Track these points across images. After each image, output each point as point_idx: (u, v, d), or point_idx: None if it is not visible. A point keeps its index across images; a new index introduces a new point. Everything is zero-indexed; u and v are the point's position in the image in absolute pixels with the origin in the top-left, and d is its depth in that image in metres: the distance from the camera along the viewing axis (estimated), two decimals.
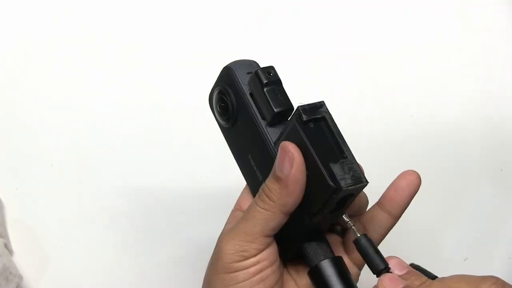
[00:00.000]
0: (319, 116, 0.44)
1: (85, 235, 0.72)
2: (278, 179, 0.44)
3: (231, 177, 0.70)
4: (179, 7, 0.73)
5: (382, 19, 0.70)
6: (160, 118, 0.72)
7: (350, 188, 0.42)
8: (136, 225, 0.71)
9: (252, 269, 0.45)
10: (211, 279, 0.46)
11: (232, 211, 0.50)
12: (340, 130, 0.45)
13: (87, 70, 0.72)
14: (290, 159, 0.43)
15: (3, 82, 0.73)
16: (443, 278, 0.42)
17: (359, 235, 0.44)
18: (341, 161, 0.43)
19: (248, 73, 0.48)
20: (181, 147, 0.72)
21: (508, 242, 0.74)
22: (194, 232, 0.71)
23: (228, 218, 0.50)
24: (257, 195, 0.45)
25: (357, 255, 0.45)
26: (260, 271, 0.45)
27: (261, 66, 0.48)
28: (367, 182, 0.43)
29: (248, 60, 0.49)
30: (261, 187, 0.45)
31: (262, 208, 0.44)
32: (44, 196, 0.72)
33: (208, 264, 0.48)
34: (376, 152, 0.71)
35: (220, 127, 0.51)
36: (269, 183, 0.44)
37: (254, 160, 0.49)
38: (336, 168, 0.43)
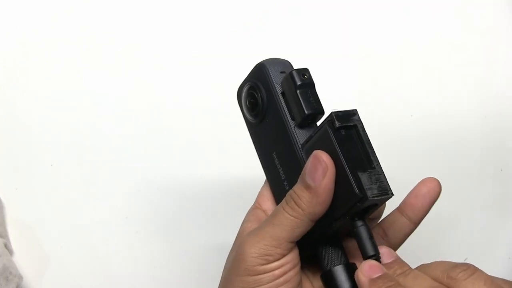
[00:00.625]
0: (351, 124, 0.45)
1: (85, 235, 0.72)
2: (308, 187, 0.44)
3: (232, 177, 0.70)
4: (179, 7, 0.73)
5: (382, 19, 0.70)
6: (161, 118, 0.72)
7: (375, 198, 0.43)
8: (137, 225, 0.71)
9: (277, 272, 0.45)
10: (232, 280, 0.46)
11: (252, 208, 0.50)
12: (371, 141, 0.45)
13: (87, 70, 0.72)
14: (324, 169, 0.44)
15: (3, 82, 0.73)
16: (422, 265, 0.43)
17: (360, 224, 0.45)
18: (369, 171, 0.44)
19: (281, 72, 0.48)
20: (182, 147, 0.72)
21: (508, 242, 0.74)
22: (195, 232, 0.71)
23: (247, 215, 0.50)
24: (284, 201, 0.46)
25: None
26: (284, 273, 0.45)
27: (294, 67, 0.49)
28: (393, 194, 0.44)
29: (282, 59, 0.49)
30: (289, 193, 0.45)
31: (290, 215, 0.45)
32: (44, 196, 0.72)
33: (227, 265, 0.48)
34: (376, 152, 0.71)
35: (246, 122, 0.50)
36: (299, 191, 0.45)
37: (278, 159, 0.49)
38: (364, 177, 0.43)
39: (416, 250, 0.70)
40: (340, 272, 0.47)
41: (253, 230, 0.47)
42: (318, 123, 0.47)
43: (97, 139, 0.72)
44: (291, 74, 0.47)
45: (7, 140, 0.73)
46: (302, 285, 0.49)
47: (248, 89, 0.49)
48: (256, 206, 0.50)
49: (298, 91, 0.47)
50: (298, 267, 0.47)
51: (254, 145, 0.51)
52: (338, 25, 0.72)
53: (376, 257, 0.44)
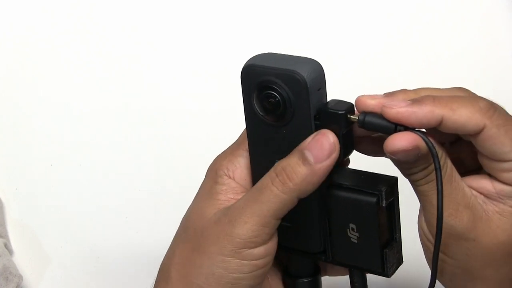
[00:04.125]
0: (392, 198, 0.44)
1: (85, 235, 0.72)
2: (307, 163, 0.41)
3: None
4: (178, 7, 0.73)
5: (381, 19, 0.70)
6: (162, 118, 0.72)
7: (391, 273, 0.45)
8: (137, 226, 0.71)
9: (259, 262, 0.43)
10: (212, 256, 0.44)
11: (219, 175, 0.46)
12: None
13: (88, 70, 0.72)
14: (331, 150, 0.41)
15: (3, 82, 0.73)
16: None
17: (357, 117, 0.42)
18: (393, 245, 0.45)
19: (318, 90, 0.43)
20: (183, 147, 0.72)
21: None
22: None
23: (215, 186, 0.46)
24: (273, 173, 0.42)
25: None
26: (264, 266, 0.44)
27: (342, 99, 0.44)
28: (402, 262, 0.46)
29: (319, 69, 0.44)
30: (281, 165, 0.42)
31: (280, 191, 0.42)
32: (44, 196, 0.72)
33: (199, 234, 0.45)
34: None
35: (249, 112, 0.45)
36: (294, 164, 0.42)
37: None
38: (390, 255, 0.44)
39: (416, 250, 0.70)
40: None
41: (237, 207, 0.43)
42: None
43: (97, 139, 0.72)
44: (346, 115, 0.43)
45: (7, 140, 0.73)
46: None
47: (273, 90, 0.43)
48: (227, 175, 0.46)
49: (341, 134, 0.43)
50: (271, 263, 0.45)
51: (251, 141, 0.46)
52: (337, 25, 0.72)
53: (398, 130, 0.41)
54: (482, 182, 0.42)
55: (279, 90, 0.43)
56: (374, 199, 0.42)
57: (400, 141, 0.40)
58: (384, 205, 0.43)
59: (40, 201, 0.72)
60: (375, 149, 0.45)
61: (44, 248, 0.72)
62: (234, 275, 0.43)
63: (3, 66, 0.72)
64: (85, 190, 0.72)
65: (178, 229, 0.49)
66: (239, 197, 0.45)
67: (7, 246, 0.70)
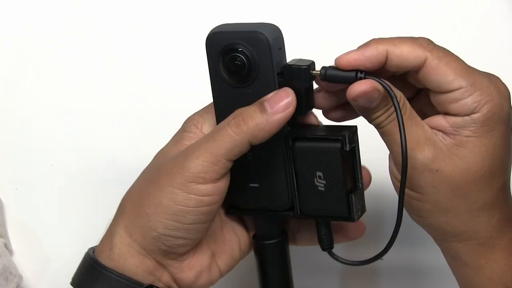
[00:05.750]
0: (354, 144, 0.48)
1: (85, 235, 0.71)
2: (263, 111, 0.45)
3: None
4: (178, 7, 0.73)
5: (381, 19, 0.70)
6: (162, 118, 0.72)
7: (356, 218, 0.49)
8: None
9: (206, 199, 0.46)
10: (162, 187, 0.47)
11: (189, 125, 0.50)
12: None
13: (88, 70, 0.72)
14: (287, 105, 0.45)
15: (3, 82, 0.73)
16: None
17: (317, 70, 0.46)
18: (357, 192, 0.48)
19: (280, 49, 0.47)
20: None
21: None
22: None
23: (183, 133, 0.50)
24: (231, 116, 0.46)
25: None
26: (210, 204, 0.47)
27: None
28: (365, 210, 0.50)
29: (276, 29, 0.47)
30: (238, 110, 0.46)
31: (233, 132, 0.45)
32: (44, 196, 0.72)
33: (156, 169, 0.49)
34: (376, 150, 0.71)
35: (214, 74, 0.48)
36: (252, 111, 0.45)
37: None
38: (355, 201, 0.48)
39: (415, 250, 0.70)
40: (272, 247, 0.52)
41: (193, 144, 0.47)
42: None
43: (98, 139, 0.72)
44: (309, 70, 0.47)
45: (7, 140, 0.73)
46: (227, 231, 0.52)
47: (237, 52, 0.46)
48: (195, 127, 0.50)
49: (304, 89, 0.47)
50: (220, 204, 0.48)
51: (216, 99, 0.49)
52: (335, 23, 0.72)
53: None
54: (438, 121, 0.46)
55: (243, 51, 0.46)
56: (339, 144, 0.46)
57: (359, 85, 0.44)
58: (347, 149, 0.47)
59: (40, 201, 0.72)
60: (339, 113, 0.49)
61: (44, 248, 0.72)
62: (180, 207, 0.46)
63: (3, 66, 0.72)
64: (85, 190, 0.72)
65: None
66: None
67: (7, 246, 0.70)
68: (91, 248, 0.52)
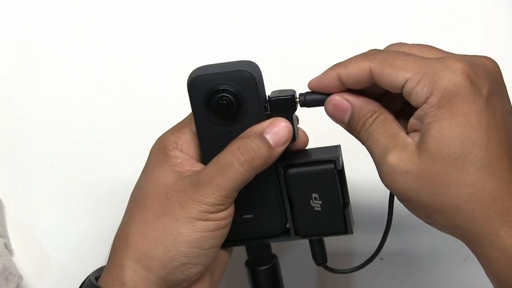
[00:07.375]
0: (342, 163, 0.51)
1: (85, 235, 0.72)
2: (267, 145, 0.47)
3: None
4: (178, 7, 0.73)
5: (381, 19, 0.70)
6: (162, 118, 0.72)
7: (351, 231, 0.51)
8: None
9: (222, 222, 0.48)
10: (178, 219, 0.48)
11: (170, 148, 0.51)
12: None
13: (88, 70, 0.72)
14: (288, 138, 0.48)
15: (3, 82, 0.73)
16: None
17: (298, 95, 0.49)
18: (349, 208, 0.51)
19: (262, 84, 0.49)
20: None
21: None
22: None
23: (168, 158, 0.51)
24: (238, 154, 0.47)
25: None
26: (226, 226, 0.49)
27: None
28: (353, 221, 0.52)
29: (256, 66, 0.49)
30: (246, 147, 0.47)
31: (244, 170, 0.47)
32: (44, 196, 0.72)
33: (160, 201, 0.49)
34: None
35: (198, 114, 0.50)
36: (257, 148, 0.47)
37: None
38: (350, 215, 0.50)
39: (416, 250, 0.70)
40: (263, 273, 0.53)
41: (204, 181, 0.48)
42: None
43: (98, 139, 0.72)
44: (293, 99, 0.49)
45: (7, 140, 0.72)
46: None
47: (225, 92, 0.48)
48: (173, 147, 0.51)
49: (293, 118, 0.49)
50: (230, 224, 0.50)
51: (202, 138, 0.50)
52: (333, 23, 0.72)
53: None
54: (411, 122, 0.45)
55: (231, 90, 0.48)
56: (332, 165, 0.49)
57: (326, 108, 0.48)
58: (340, 169, 0.49)
59: (40, 201, 0.72)
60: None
61: (44, 248, 0.72)
62: (200, 233, 0.48)
63: (3, 66, 0.72)
64: (85, 190, 0.72)
65: (131, 200, 0.53)
66: (196, 168, 0.50)
67: (7, 246, 0.70)
68: (93, 275, 0.52)
